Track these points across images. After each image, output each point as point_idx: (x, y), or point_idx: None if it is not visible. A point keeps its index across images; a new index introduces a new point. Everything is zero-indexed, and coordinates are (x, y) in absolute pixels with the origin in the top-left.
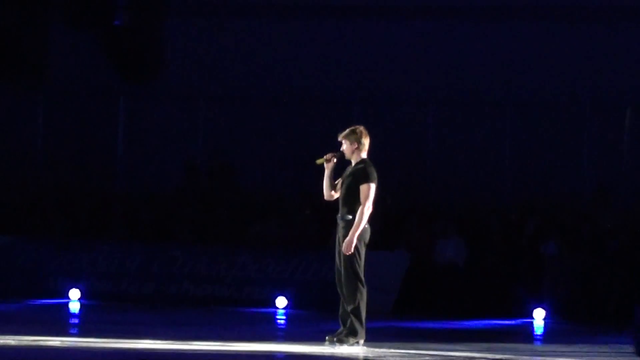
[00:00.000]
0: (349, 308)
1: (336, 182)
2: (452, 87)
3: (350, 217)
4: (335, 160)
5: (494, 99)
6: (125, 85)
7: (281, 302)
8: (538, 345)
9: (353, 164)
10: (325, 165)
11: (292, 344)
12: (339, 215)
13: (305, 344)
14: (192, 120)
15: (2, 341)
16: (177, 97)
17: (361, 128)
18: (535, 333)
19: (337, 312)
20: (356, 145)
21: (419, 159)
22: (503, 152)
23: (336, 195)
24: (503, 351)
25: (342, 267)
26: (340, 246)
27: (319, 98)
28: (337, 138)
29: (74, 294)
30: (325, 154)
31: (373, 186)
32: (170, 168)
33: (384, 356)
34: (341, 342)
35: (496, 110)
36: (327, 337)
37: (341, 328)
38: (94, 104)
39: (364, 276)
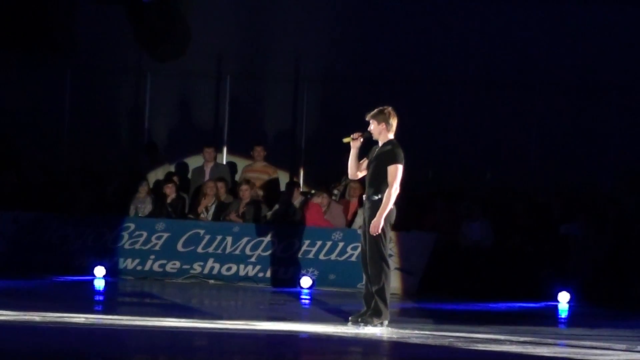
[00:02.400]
0: (374, 289)
1: (362, 162)
2: (480, 67)
3: (377, 197)
4: (362, 139)
5: (521, 81)
6: (152, 62)
7: (306, 282)
8: (562, 329)
9: (380, 144)
10: (351, 144)
11: (315, 324)
12: (366, 195)
13: (329, 325)
14: (218, 97)
15: (26, 317)
16: (203, 74)
17: (389, 108)
18: (559, 316)
19: (362, 292)
20: (384, 126)
21: (445, 140)
22: (530, 133)
23: (361, 174)
24: (527, 334)
25: (368, 248)
26: (366, 227)
27: (343, 77)
28: (364, 117)
29: (99, 271)
30: (353, 133)
31: (400, 167)
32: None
33: (408, 337)
34: (366, 323)
35: (523, 92)
36: (350, 318)
37: (364, 309)
38: (121, 80)
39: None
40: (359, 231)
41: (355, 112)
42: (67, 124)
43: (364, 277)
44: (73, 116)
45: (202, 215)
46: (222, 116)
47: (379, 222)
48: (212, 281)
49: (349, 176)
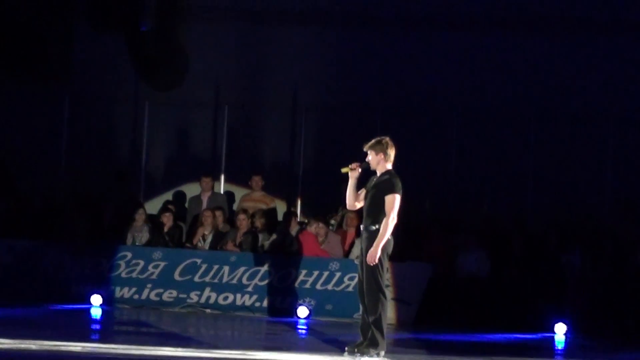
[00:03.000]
0: (371, 319)
1: (359, 192)
2: (476, 98)
3: (374, 227)
4: (360, 170)
5: (517, 112)
6: (150, 91)
7: (302, 311)
8: None
9: (378, 174)
10: (349, 174)
11: (312, 354)
12: (363, 225)
13: (326, 355)
14: (215, 126)
15: (23, 346)
16: (201, 103)
17: (387, 139)
18: (556, 348)
19: (359, 323)
20: (382, 156)
21: (441, 170)
22: (526, 164)
23: (359, 205)
24: None
25: (365, 278)
26: (363, 257)
27: (340, 107)
28: (362, 147)
29: (96, 299)
30: (351, 163)
31: (398, 197)
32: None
33: None
34: (362, 353)
35: (519, 122)
36: (346, 348)
37: (361, 339)
38: (119, 108)
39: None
40: (356, 261)
41: (352, 141)
42: (64, 152)
43: (361, 307)
44: (71, 144)
45: (199, 245)
46: (220, 145)
47: (376, 252)
48: (208, 310)
49: (347, 207)
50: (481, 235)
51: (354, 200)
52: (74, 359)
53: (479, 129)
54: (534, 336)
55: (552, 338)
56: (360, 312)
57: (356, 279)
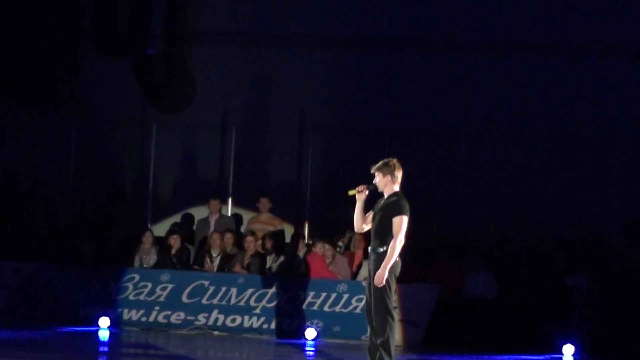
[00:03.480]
0: (379, 341)
1: (367, 215)
2: (483, 121)
3: (382, 249)
4: (367, 192)
5: (524, 134)
6: (157, 114)
7: (310, 333)
8: None
9: (385, 196)
10: (357, 196)
11: None
12: (371, 247)
13: None
14: (223, 148)
15: None
16: (208, 125)
17: (394, 160)
18: None
19: (367, 344)
20: (389, 178)
21: (449, 192)
22: (533, 186)
23: (367, 227)
24: None
25: (373, 300)
26: (371, 279)
27: (347, 129)
28: (369, 170)
29: (104, 321)
30: (358, 186)
31: (406, 219)
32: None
33: None
34: None
35: (526, 144)
36: None
37: None
38: (126, 131)
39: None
40: (364, 283)
41: (359, 164)
42: (71, 174)
43: (369, 329)
44: (78, 167)
45: (206, 266)
46: (227, 168)
47: (383, 274)
48: (216, 332)
49: (355, 229)
50: (488, 256)
51: (362, 222)
52: None
53: (486, 152)
54: (541, 357)
55: (560, 359)
56: (368, 334)
57: (364, 301)
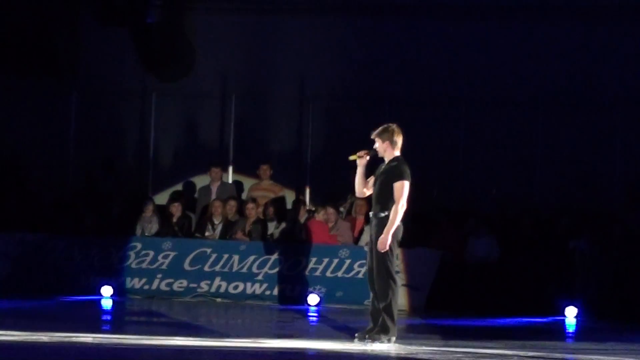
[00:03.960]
0: (381, 305)
1: (368, 180)
2: (484, 85)
3: (384, 214)
4: (368, 157)
5: (525, 98)
6: (157, 83)
7: (313, 299)
8: (570, 343)
9: (386, 161)
10: (358, 161)
11: (323, 341)
12: (372, 212)
13: (337, 342)
14: (223, 117)
15: (34, 338)
16: (208, 94)
17: (394, 126)
18: (567, 331)
19: (369, 309)
20: (389, 144)
21: (450, 157)
22: (534, 150)
23: (368, 192)
24: (535, 349)
25: (375, 265)
26: (373, 244)
27: (347, 96)
28: (369, 136)
29: (106, 290)
30: (359, 151)
31: (407, 184)
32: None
33: (416, 353)
34: (373, 339)
35: (527, 109)
36: (356, 335)
37: (371, 325)
38: (126, 101)
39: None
40: (366, 248)
41: (360, 130)
42: (72, 145)
43: (371, 294)
44: (79, 138)
45: (207, 234)
46: (228, 136)
47: (386, 239)
48: (219, 299)
49: (356, 194)
50: (490, 221)
51: (363, 187)
52: (85, 350)
53: (487, 116)
54: (544, 320)
55: (563, 321)
56: (370, 299)
57: (366, 266)
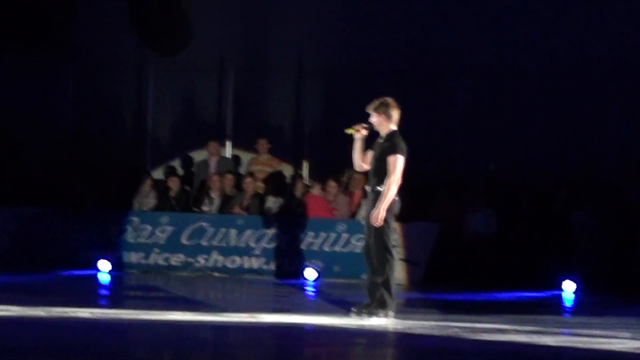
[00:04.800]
0: (379, 280)
1: (366, 153)
2: (482, 58)
3: (380, 188)
4: (365, 131)
5: (522, 70)
6: (154, 57)
7: (310, 273)
8: (567, 317)
9: (382, 135)
10: (354, 135)
11: (320, 315)
12: (369, 187)
13: (334, 316)
14: (221, 91)
15: (31, 312)
16: (206, 68)
17: (390, 100)
18: (564, 305)
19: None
20: (385, 117)
21: (447, 130)
22: (532, 122)
23: (366, 166)
24: (533, 323)
25: (372, 239)
26: (369, 218)
27: (345, 70)
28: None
29: (104, 265)
30: (355, 125)
31: (401, 158)
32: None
33: (414, 328)
34: (371, 314)
35: (525, 82)
36: (352, 308)
37: (368, 300)
38: (124, 75)
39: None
40: (363, 222)
41: (358, 104)
42: (70, 119)
43: (368, 268)
44: (76, 112)
45: (205, 208)
46: (226, 110)
47: (379, 213)
48: (217, 274)
49: (355, 168)
50: (488, 194)
51: (361, 161)
52: (82, 325)
53: (485, 89)
54: (542, 294)
55: (561, 295)
56: (368, 273)
57: (364, 241)
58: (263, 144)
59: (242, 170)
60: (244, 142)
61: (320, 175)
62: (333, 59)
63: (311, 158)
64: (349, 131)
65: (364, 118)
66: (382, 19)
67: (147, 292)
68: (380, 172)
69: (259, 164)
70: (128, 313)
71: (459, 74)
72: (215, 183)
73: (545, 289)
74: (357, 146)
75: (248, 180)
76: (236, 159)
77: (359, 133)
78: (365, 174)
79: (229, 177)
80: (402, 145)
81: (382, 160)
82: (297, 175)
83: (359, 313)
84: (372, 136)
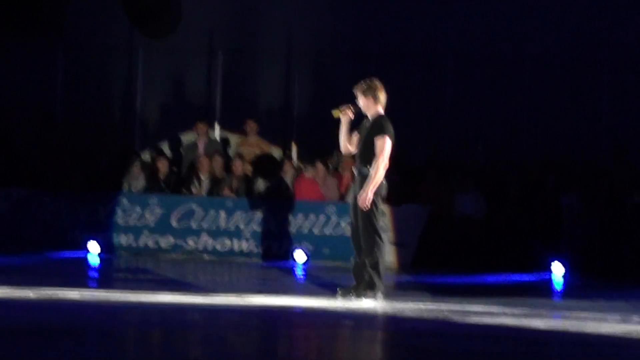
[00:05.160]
0: (368, 262)
1: (352, 136)
2: (471, 42)
3: (367, 171)
4: (351, 113)
5: (512, 54)
6: (143, 39)
7: (299, 256)
8: (556, 300)
9: (369, 118)
10: (341, 118)
11: (310, 298)
12: (356, 169)
13: (323, 298)
14: (210, 73)
15: (21, 293)
16: (195, 50)
17: (376, 82)
18: (553, 288)
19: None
20: (372, 100)
21: (437, 113)
22: (521, 105)
23: (353, 149)
24: (521, 306)
25: (361, 222)
26: (356, 201)
27: (335, 52)
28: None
29: (93, 246)
30: (341, 106)
31: (389, 140)
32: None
33: (403, 311)
34: (359, 295)
35: (515, 65)
36: (338, 289)
37: (354, 283)
38: (113, 57)
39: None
40: (350, 204)
41: (347, 86)
42: (59, 100)
43: (354, 250)
44: (65, 93)
45: (194, 190)
46: (215, 91)
47: (366, 195)
48: (206, 256)
49: (342, 151)
50: (477, 176)
51: (347, 143)
52: (71, 306)
53: (475, 72)
54: (531, 277)
55: (550, 278)
56: (354, 256)
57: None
58: (252, 126)
59: (231, 152)
60: (232, 124)
61: (309, 158)
62: (322, 41)
63: (300, 140)
64: (336, 113)
65: (353, 100)
66: (371, 3)
67: (136, 274)
68: (366, 154)
69: (248, 145)
70: (117, 295)
71: (448, 57)
72: (204, 165)
73: (534, 272)
74: (344, 128)
75: (237, 162)
76: (225, 141)
77: (346, 115)
78: (354, 155)
79: (218, 159)
80: (389, 126)
81: (369, 143)
82: (286, 157)
83: (345, 295)
84: (359, 119)
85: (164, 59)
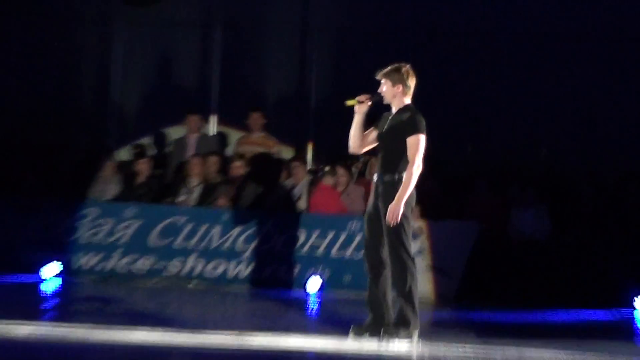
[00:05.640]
0: (399, 292)
1: (367, 132)
2: (527, 17)
3: (392, 177)
4: (370, 103)
5: (585, 36)
6: (123, 8)
7: (313, 284)
8: None
9: (394, 110)
10: (355, 108)
11: (325, 338)
12: (377, 175)
13: (343, 340)
14: (205, 52)
15: None
16: (187, 23)
17: (407, 66)
18: (637, 327)
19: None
20: (400, 88)
21: (486, 106)
22: (597, 99)
23: (366, 148)
24: (596, 351)
25: (387, 242)
26: (373, 214)
27: (359, 27)
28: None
29: (50, 269)
30: (359, 95)
31: (423, 138)
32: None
33: (444, 355)
34: (390, 335)
35: (583, 54)
36: (352, 328)
37: (370, 317)
38: (84, 30)
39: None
40: (365, 219)
41: (374, 71)
42: (14, 84)
43: (369, 276)
44: (22, 74)
45: (182, 198)
46: (211, 76)
47: (398, 208)
48: (194, 282)
49: (350, 149)
50: (540, 186)
51: (359, 141)
52: (21, 346)
53: (536, 52)
54: (609, 315)
55: (632, 315)
56: (368, 282)
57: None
58: (257, 119)
59: (230, 151)
60: (232, 116)
61: (327, 159)
62: (345, 15)
63: (317, 137)
64: (351, 103)
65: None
66: None
67: (104, 304)
68: (392, 156)
69: (251, 143)
70: (80, 331)
71: (500, 35)
72: (194, 167)
73: (614, 309)
74: (357, 122)
75: (237, 164)
76: (222, 137)
77: (363, 105)
78: None
79: (213, 160)
80: (423, 122)
81: (396, 142)
82: (298, 159)
83: (359, 334)
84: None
85: (148, 33)
